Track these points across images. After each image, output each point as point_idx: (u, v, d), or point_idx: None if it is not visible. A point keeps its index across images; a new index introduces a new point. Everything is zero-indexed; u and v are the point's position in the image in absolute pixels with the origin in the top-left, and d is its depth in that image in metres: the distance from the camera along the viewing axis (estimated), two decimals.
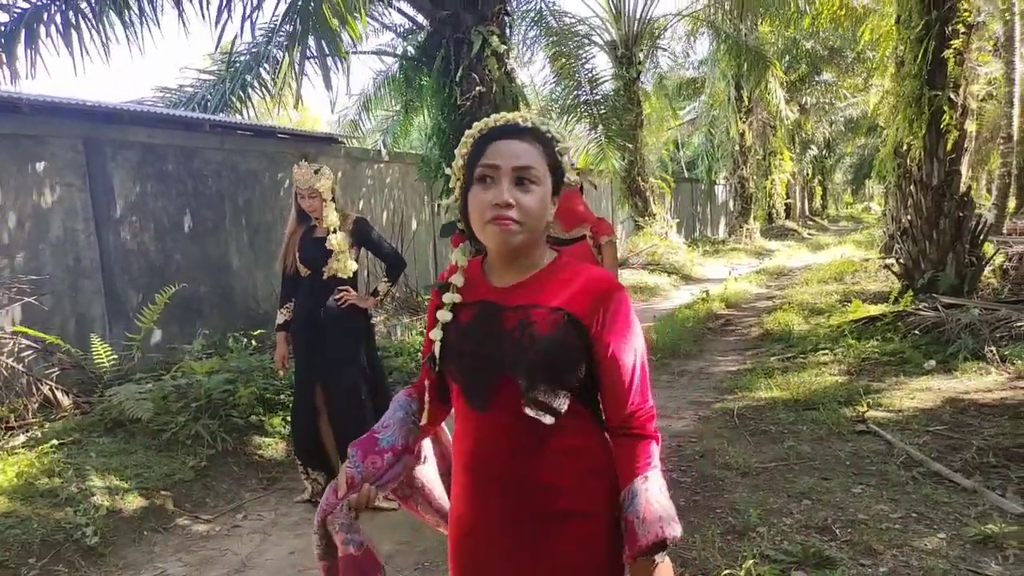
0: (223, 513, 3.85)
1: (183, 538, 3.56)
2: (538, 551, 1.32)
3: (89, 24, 5.48)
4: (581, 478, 1.32)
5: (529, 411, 1.27)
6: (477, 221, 1.29)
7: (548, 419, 1.27)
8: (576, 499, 1.31)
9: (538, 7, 12.08)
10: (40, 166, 5.35)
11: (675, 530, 1.25)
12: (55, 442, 4.05)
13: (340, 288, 3.71)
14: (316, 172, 3.66)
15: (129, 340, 5.42)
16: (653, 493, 1.27)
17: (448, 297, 1.37)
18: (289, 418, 4.24)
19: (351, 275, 3.73)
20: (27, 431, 4.34)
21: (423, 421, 1.47)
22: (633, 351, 1.31)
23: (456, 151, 1.35)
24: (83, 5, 5.41)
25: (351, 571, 1.37)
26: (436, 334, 1.37)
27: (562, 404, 1.28)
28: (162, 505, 3.74)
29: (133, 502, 3.64)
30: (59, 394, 4.82)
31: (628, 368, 1.30)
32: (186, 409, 4.44)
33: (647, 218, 16.25)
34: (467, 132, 1.34)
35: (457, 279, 1.38)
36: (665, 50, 18.58)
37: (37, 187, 5.32)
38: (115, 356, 5.21)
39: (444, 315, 1.36)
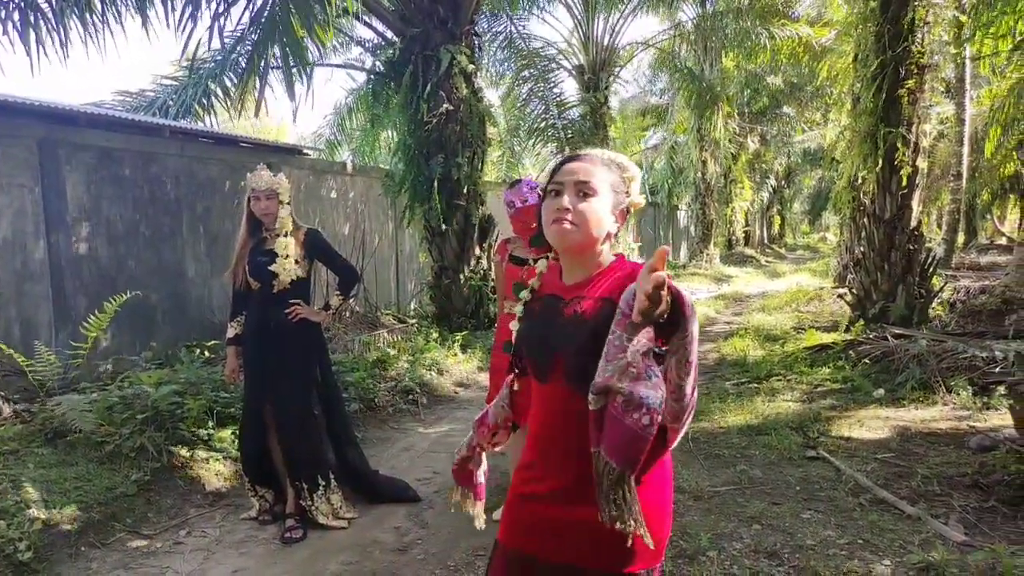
0: (166, 529, 3.72)
1: (122, 554, 3.44)
2: (587, 509, 1.41)
3: (49, 24, 5.36)
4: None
5: (569, 382, 1.48)
6: (546, 225, 1.55)
7: (585, 388, 1.38)
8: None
9: (508, 30, 12.21)
10: None
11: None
12: None
13: (291, 301, 3.65)
14: (273, 175, 3.65)
15: (75, 348, 5.26)
16: None
17: (524, 294, 1.68)
18: (239, 432, 4.14)
19: (299, 276, 3.67)
20: None
21: (515, 387, 1.76)
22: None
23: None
24: (43, 4, 5.28)
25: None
26: (514, 324, 1.67)
27: None
28: (101, 520, 3.61)
29: (71, 516, 3.50)
30: None
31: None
32: (131, 420, 4.30)
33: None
34: (549, 168, 1.64)
35: (535, 282, 1.68)
36: (624, 81, 18.87)
37: None
38: (59, 364, 5.04)
39: (518, 309, 1.67)
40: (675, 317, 1.29)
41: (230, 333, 3.80)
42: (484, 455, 1.88)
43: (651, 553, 1.48)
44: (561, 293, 1.58)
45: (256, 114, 5.82)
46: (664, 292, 1.21)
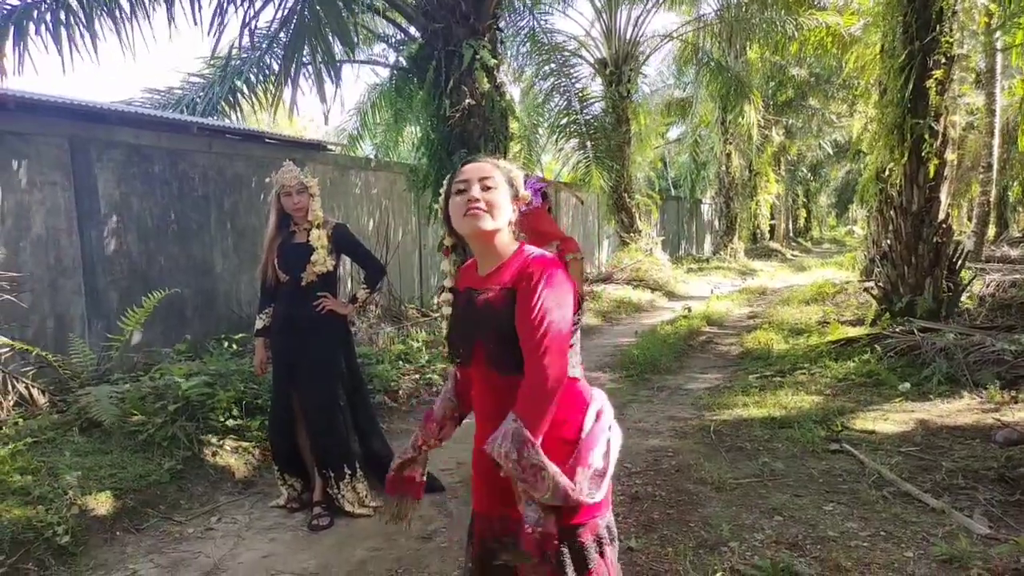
0: (197, 515, 3.83)
1: (156, 539, 3.54)
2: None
3: (79, 23, 5.48)
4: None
5: (489, 367, 1.74)
6: (457, 218, 1.77)
7: (505, 371, 1.71)
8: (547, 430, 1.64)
9: (530, 24, 12.20)
10: (24, 163, 5.33)
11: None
12: (29, 440, 4.02)
13: (319, 294, 3.73)
14: (300, 170, 3.75)
15: (108, 340, 5.39)
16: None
17: (444, 296, 1.89)
18: (267, 422, 4.23)
19: (328, 270, 3.74)
20: (1, 428, 4.29)
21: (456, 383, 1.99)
22: (541, 307, 1.64)
23: (441, 192, 1.87)
24: (74, 4, 5.40)
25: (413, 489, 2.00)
26: (446, 310, 1.89)
27: (519, 358, 1.67)
28: (135, 506, 3.72)
29: (106, 502, 3.62)
30: (35, 392, 4.78)
31: (534, 319, 1.64)
32: (163, 411, 4.41)
33: (632, 234, 16.35)
34: (447, 179, 1.85)
35: (448, 282, 1.91)
36: (646, 76, 18.72)
37: (20, 184, 5.30)
38: (93, 356, 5.18)
39: (446, 310, 1.89)
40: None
41: (258, 325, 3.88)
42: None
43: (584, 510, 1.70)
44: (476, 285, 1.82)
45: (289, 116, 5.94)
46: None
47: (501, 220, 1.77)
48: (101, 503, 3.59)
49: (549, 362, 1.61)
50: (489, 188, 1.76)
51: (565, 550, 1.68)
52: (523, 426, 1.58)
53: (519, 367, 1.66)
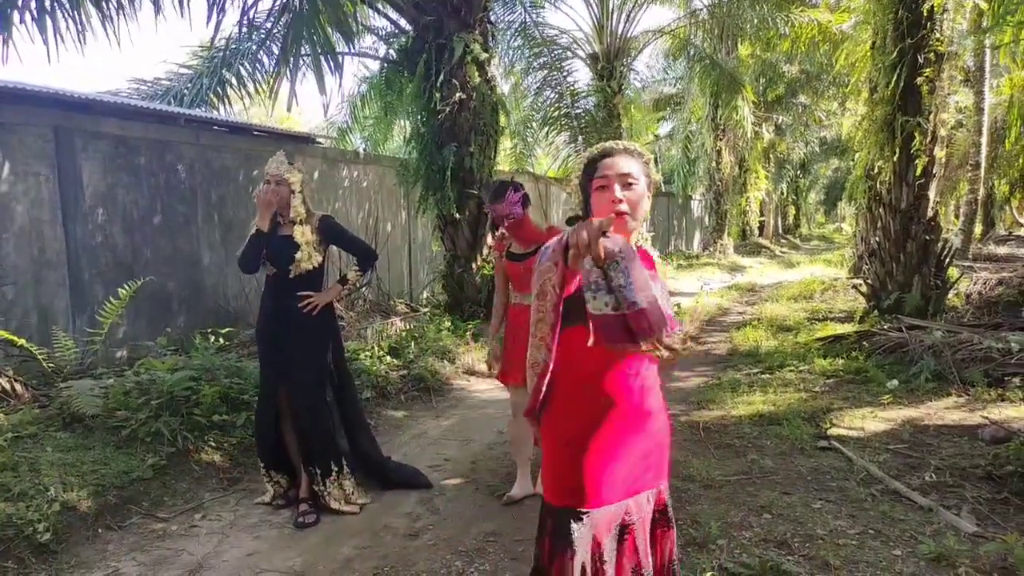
0: (181, 512, 3.78)
1: (138, 537, 3.49)
2: (645, 433, 1.86)
3: (65, 12, 5.39)
4: (656, 381, 1.92)
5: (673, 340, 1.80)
6: (600, 215, 1.75)
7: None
8: (656, 399, 1.92)
9: (522, 18, 12.14)
10: (7, 154, 5.25)
11: None
12: (10, 435, 3.96)
13: (300, 294, 3.67)
14: (290, 164, 3.68)
15: (91, 334, 5.32)
16: None
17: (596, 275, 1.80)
18: (253, 418, 4.18)
19: (315, 266, 3.69)
20: None
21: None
22: None
23: (573, 176, 1.93)
24: None
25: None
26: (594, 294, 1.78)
27: None
28: (118, 503, 3.67)
29: (88, 499, 3.56)
30: (17, 386, 4.71)
31: None
32: (147, 406, 4.35)
33: None
34: (581, 157, 1.90)
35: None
36: (637, 72, 18.67)
37: (3, 175, 5.22)
38: (77, 350, 5.11)
39: (592, 293, 1.78)
40: None
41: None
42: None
43: (666, 470, 1.98)
44: None
45: (289, 108, 5.94)
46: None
47: (639, 216, 1.82)
48: (83, 500, 3.53)
49: None
50: (631, 185, 1.79)
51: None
52: None
53: None
